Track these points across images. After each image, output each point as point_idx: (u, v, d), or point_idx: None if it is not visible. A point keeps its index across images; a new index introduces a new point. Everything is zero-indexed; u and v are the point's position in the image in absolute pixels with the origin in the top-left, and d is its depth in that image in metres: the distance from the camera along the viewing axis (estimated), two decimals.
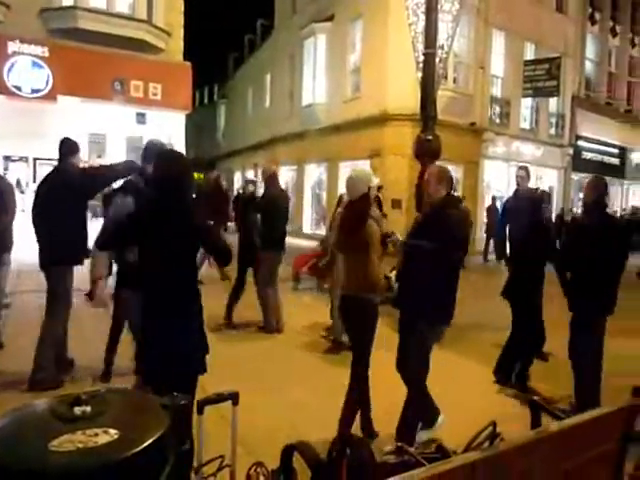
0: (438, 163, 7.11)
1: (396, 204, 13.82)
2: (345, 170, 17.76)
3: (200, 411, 1.88)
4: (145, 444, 1.22)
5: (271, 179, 6.53)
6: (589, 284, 4.05)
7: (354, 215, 3.62)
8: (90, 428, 1.24)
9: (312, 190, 20.68)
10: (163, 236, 2.60)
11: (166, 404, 1.45)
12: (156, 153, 3.13)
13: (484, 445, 2.05)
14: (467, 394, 4.53)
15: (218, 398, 1.95)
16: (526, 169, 6.64)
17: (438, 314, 3.50)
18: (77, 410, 1.29)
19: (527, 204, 5.31)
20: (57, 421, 1.27)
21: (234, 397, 2.01)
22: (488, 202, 16.27)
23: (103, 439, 1.20)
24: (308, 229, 20.30)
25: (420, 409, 3.59)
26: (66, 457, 1.15)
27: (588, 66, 22.01)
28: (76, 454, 1.16)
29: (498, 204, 14.88)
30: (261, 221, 6.45)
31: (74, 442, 1.19)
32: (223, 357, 5.21)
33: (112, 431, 1.23)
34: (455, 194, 4.37)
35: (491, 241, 13.53)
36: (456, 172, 16.76)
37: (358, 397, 3.64)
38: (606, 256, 3.99)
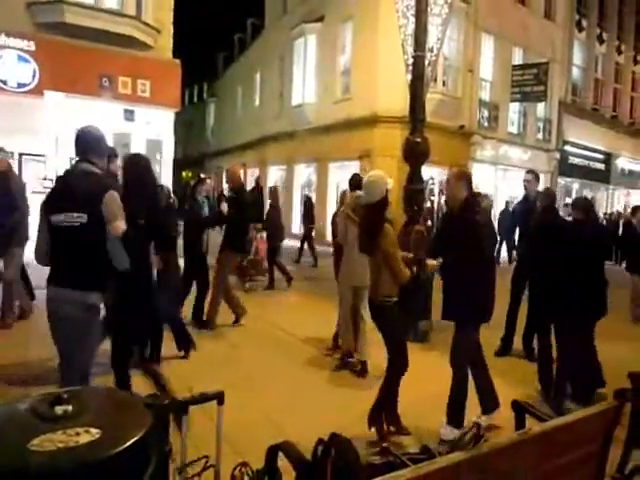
0: (426, 166, 7.15)
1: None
2: (334, 171, 17.78)
3: (185, 411, 1.86)
4: (127, 443, 1.21)
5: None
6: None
7: (374, 218, 3.67)
8: (71, 427, 1.22)
9: (302, 190, 20.66)
10: None
11: (149, 403, 1.43)
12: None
13: (469, 446, 2.07)
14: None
15: (203, 398, 1.93)
16: (533, 172, 6.55)
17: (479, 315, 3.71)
18: (58, 409, 1.27)
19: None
20: (38, 420, 1.25)
21: (219, 397, 1.99)
22: None
23: (84, 438, 1.19)
24: (297, 229, 20.29)
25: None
26: (46, 457, 1.14)
27: (575, 72, 22.28)
28: (57, 454, 1.14)
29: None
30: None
31: (55, 441, 1.17)
32: (208, 356, 5.21)
33: (94, 430, 1.22)
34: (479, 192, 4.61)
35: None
36: (444, 175, 16.88)
37: (387, 395, 3.73)
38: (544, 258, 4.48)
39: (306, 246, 13.11)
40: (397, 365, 3.71)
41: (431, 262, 3.73)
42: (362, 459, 2.05)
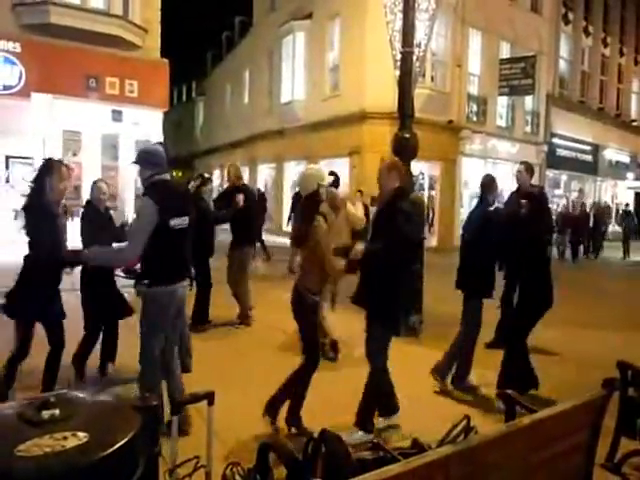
0: (415, 161, 7.17)
1: (375, 201, 13.85)
2: (325, 168, 17.72)
3: (176, 412, 1.86)
4: (115, 447, 1.21)
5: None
6: None
7: (306, 210, 3.77)
8: (59, 431, 1.22)
9: (292, 188, 20.63)
10: None
11: (137, 405, 1.43)
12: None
13: (459, 439, 2.08)
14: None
15: (193, 398, 1.93)
16: (526, 164, 6.49)
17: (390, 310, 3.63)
18: (45, 413, 1.26)
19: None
20: (25, 425, 1.24)
21: (210, 397, 1.99)
22: (466, 199, 16.44)
23: (72, 443, 1.19)
24: (288, 227, 20.27)
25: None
26: (33, 462, 1.13)
27: (562, 65, 22.39)
28: (43, 458, 1.14)
29: None
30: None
31: (41, 446, 1.17)
32: (201, 355, 5.18)
33: (81, 434, 1.21)
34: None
35: None
36: (434, 170, 16.94)
37: (300, 388, 3.67)
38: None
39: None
40: (308, 362, 3.67)
41: (357, 247, 3.66)
42: (353, 455, 2.07)
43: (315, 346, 3.76)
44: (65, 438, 1.20)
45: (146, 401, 1.47)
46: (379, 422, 3.70)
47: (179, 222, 3.29)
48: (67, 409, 1.30)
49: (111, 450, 1.20)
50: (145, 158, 3.47)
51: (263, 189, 22.90)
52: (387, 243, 3.45)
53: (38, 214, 3.49)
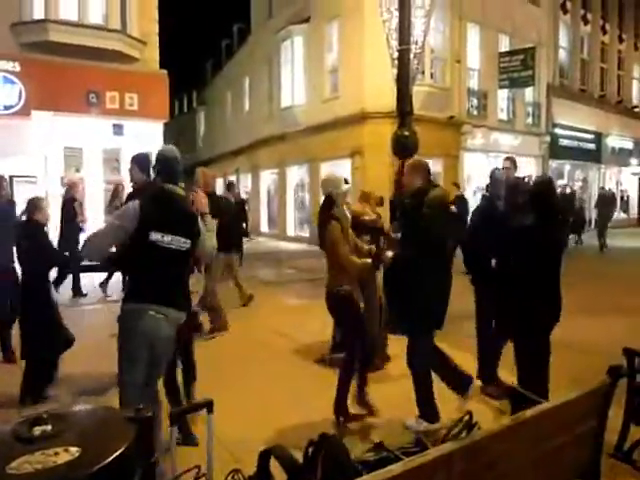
0: (417, 157, 7.14)
1: (379, 201, 13.82)
2: (327, 170, 17.75)
3: (173, 422, 1.86)
4: (107, 460, 1.21)
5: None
6: None
7: (322, 214, 3.94)
8: (51, 447, 1.22)
9: (295, 192, 20.65)
10: None
11: (131, 417, 1.43)
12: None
13: (462, 435, 2.06)
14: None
15: (193, 407, 1.93)
16: (511, 159, 6.52)
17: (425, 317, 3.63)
18: (36, 430, 1.27)
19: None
20: (16, 442, 1.25)
21: (209, 405, 1.99)
22: (469, 194, 16.33)
23: (63, 458, 1.19)
24: (292, 232, 20.27)
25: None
26: (24, 479, 1.14)
27: (561, 54, 22.23)
28: (35, 475, 1.14)
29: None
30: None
31: (32, 463, 1.17)
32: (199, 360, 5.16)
33: (73, 449, 1.22)
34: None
35: None
36: (436, 166, 16.86)
37: (345, 379, 3.78)
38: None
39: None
40: (346, 358, 3.83)
41: (387, 254, 3.78)
42: (357, 456, 2.05)
43: (354, 341, 3.82)
44: (57, 454, 1.20)
45: (140, 412, 1.47)
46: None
47: (167, 240, 2.82)
48: (59, 424, 1.31)
49: (104, 463, 1.20)
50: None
51: (266, 195, 23.08)
52: (414, 246, 3.50)
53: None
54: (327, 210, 3.89)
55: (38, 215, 4.24)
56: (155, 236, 2.78)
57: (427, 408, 3.67)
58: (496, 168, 5.33)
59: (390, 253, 3.76)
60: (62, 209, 8.52)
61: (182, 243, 2.88)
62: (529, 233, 3.53)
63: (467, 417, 2.10)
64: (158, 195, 2.97)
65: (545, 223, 3.49)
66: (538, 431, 2.11)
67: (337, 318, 4.04)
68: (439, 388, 3.79)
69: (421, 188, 3.63)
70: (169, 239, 2.82)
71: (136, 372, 2.72)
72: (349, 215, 5.41)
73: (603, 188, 21.48)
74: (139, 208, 2.81)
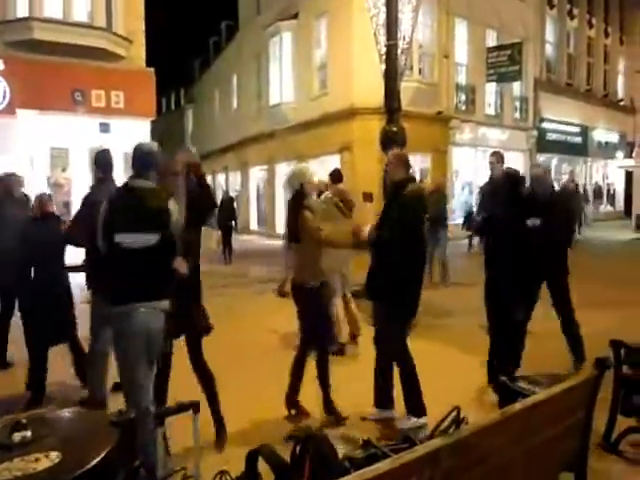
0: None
1: (367, 197, 13.81)
2: (316, 166, 17.72)
3: (160, 422, 1.84)
4: (89, 465, 1.19)
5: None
6: None
7: (293, 206, 3.90)
8: (30, 453, 1.20)
9: (284, 189, 20.59)
10: None
11: (114, 421, 1.41)
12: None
13: (450, 431, 2.06)
14: (443, 380, 4.56)
15: (178, 408, 1.91)
16: (497, 154, 6.56)
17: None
18: (16, 436, 1.25)
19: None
20: None
21: (195, 406, 1.97)
22: (457, 190, 16.41)
23: (43, 464, 1.17)
24: (282, 229, 20.21)
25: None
26: None
27: (548, 49, 22.37)
28: None
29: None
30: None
31: (12, 470, 1.15)
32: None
33: (53, 454, 1.20)
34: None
35: None
36: (424, 162, 16.91)
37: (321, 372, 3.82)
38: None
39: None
40: (319, 352, 3.85)
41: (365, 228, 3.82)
42: (345, 454, 2.05)
43: (317, 333, 3.86)
44: (37, 460, 1.18)
45: (123, 416, 1.45)
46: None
47: (129, 240, 2.79)
48: (40, 429, 1.29)
49: (85, 469, 1.19)
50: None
51: (255, 193, 23.02)
52: (389, 232, 3.57)
53: None
54: (297, 200, 3.86)
55: (51, 208, 4.33)
56: (119, 238, 2.79)
57: (415, 403, 3.67)
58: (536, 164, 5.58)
59: (368, 228, 3.80)
60: None
61: (146, 240, 2.82)
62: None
63: (455, 412, 2.09)
64: (121, 194, 2.99)
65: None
66: (527, 424, 2.12)
67: (300, 311, 3.97)
68: (424, 384, 3.79)
69: (402, 180, 3.76)
70: (130, 240, 2.79)
71: (139, 371, 2.76)
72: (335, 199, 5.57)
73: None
74: (103, 212, 2.87)
